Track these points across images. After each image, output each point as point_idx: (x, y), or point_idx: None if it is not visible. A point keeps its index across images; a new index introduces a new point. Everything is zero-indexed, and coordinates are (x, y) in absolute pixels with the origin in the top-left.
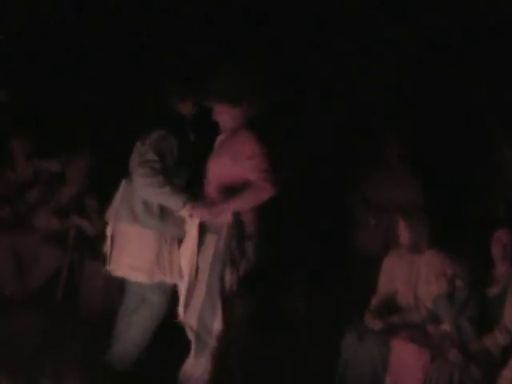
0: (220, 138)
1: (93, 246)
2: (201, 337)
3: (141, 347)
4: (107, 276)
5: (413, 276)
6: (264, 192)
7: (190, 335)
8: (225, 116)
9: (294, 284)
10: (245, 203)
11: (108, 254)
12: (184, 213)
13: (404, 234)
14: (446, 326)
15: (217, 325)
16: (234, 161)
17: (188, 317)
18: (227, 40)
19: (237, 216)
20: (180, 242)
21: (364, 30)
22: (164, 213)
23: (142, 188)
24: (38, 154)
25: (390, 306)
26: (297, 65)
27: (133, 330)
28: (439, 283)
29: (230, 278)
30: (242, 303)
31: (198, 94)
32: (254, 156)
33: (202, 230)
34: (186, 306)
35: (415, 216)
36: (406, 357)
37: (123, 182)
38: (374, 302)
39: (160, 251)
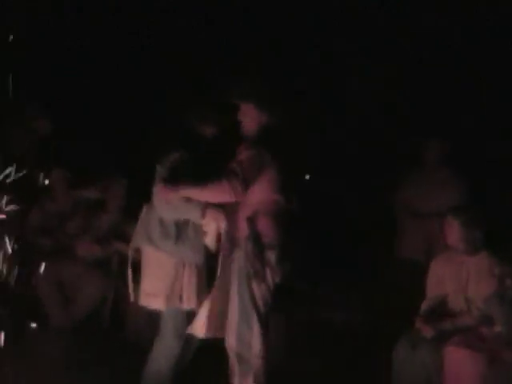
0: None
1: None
2: (243, 356)
3: (167, 374)
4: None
5: (462, 278)
6: (221, 192)
7: (232, 357)
8: (249, 117)
9: (334, 295)
10: (200, 194)
11: (130, 282)
12: (205, 222)
13: (455, 234)
14: (500, 327)
15: (255, 341)
16: None
17: (228, 338)
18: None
19: (252, 227)
20: (198, 269)
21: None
22: (181, 236)
23: (160, 205)
24: (76, 183)
25: (441, 311)
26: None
27: (156, 359)
28: (489, 283)
29: (258, 290)
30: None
31: (219, 115)
32: (237, 162)
33: (232, 246)
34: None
35: (469, 215)
36: (461, 363)
37: (144, 208)
38: (424, 306)
39: (176, 276)
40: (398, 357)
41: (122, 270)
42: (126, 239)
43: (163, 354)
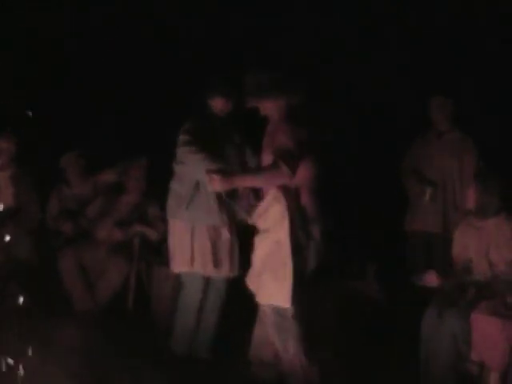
0: (267, 130)
1: (158, 253)
2: (277, 321)
3: (188, 331)
4: (176, 280)
5: (483, 243)
6: (279, 174)
7: (268, 321)
8: (269, 110)
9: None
10: (257, 181)
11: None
12: None
13: (472, 198)
14: None
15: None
16: (269, 152)
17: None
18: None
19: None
20: (212, 231)
21: None
22: (192, 202)
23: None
24: (94, 167)
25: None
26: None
27: (178, 315)
28: (510, 248)
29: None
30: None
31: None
32: (281, 143)
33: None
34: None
35: (486, 178)
36: (488, 330)
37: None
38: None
39: (191, 243)
40: (426, 326)
41: (143, 251)
42: (147, 221)
43: (183, 311)
